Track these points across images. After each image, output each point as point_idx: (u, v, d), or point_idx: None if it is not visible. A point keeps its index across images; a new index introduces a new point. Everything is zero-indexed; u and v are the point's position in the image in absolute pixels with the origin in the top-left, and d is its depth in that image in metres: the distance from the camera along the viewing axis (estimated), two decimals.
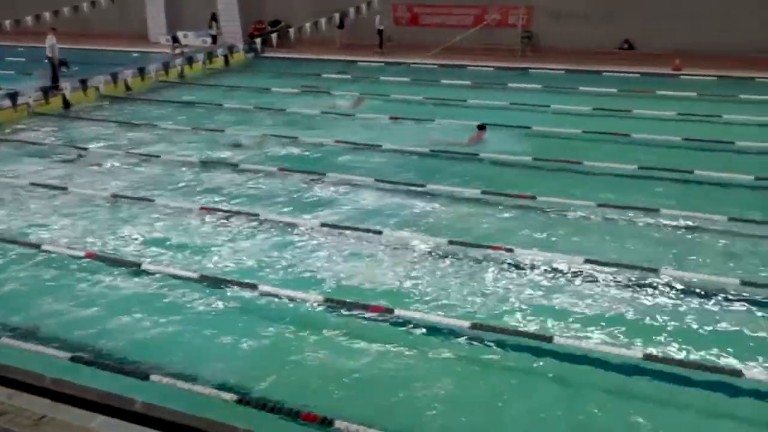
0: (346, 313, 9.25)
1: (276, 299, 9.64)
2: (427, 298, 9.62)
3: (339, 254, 11.04)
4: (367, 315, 9.16)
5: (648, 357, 8.00)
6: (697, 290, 9.60)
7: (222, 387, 7.65)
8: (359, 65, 26.78)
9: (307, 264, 10.74)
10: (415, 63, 26.19)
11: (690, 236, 11.34)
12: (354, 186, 14.03)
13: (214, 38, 31.07)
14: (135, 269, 10.56)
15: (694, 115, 18.03)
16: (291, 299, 9.60)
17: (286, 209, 12.95)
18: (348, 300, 9.50)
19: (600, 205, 12.41)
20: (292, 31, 28.48)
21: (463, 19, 29.18)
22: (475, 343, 8.57)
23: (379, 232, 11.64)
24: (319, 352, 8.53)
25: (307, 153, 16.44)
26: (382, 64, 26.52)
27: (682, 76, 23.18)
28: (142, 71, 24.17)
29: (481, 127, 16.92)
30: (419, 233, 11.71)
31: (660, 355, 8.10)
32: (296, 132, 17.79)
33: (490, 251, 10.84)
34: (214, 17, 31.16)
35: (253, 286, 9.91)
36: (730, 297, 9.41)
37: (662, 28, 26.10)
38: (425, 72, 25.06)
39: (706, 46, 25.01)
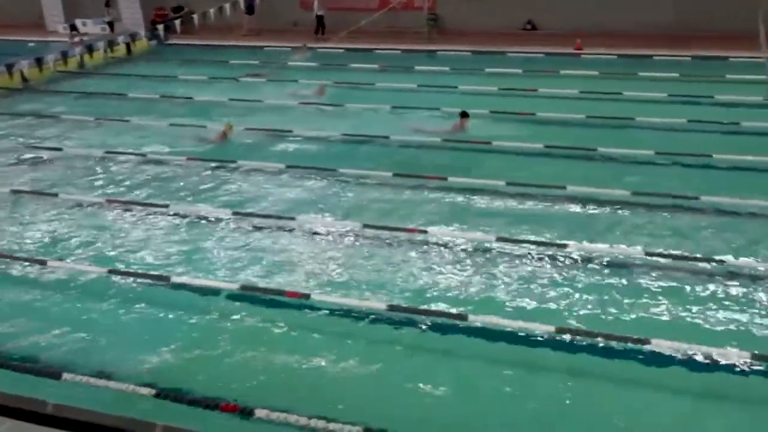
0: (263, 300, 9.19)
1: (190, 290, 9.49)
2: (344, 282, 9.64)
3: (253, 242, 10.93)
4: (283, 301, 9.12)
5: (560, 330, 8.23)
6: (604, 263, 9.90)
7: (138, 382, 7.49)
8: (266, 51, 26.48)
9: (220, 253, 10.60)
10: (322, 48, 26.05)
11: (596, 211, 11.68)
12: (265, 173, 13.91)
13: (111, 25, 30.06)
14: (40, 267, 10.21)
15: (596, 93, 18.53)
16: (206, 289, 9.47)
17: (196, 199, 12.73)
18: (264, 287, 9.44)
19: (509, 184, 12.65)
20: (195, 17, 27.91)
21: (369, 3, 29.19)
22: (393, 324, 8.64)
23: (293, 218, 11.59)
24: (237, 341, 8.45)
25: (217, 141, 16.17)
26: (290, 49, 26.27)
27: (583, 56, 23.77)
28: (39, 61, 23.25)
29: (464, 115, 16.32)
30: (333, 218, 11.70)
31: (572, 327, 8.34)
32: (205, 120, 17.49)
33: (404, 233, 10.93)
34: (108, 3, 30.11)
35: (166, 278, 9.73)
36: (635, 268, 9.75)
37: (563, 9, 26.70)
38: (333, 56, 24.96)
39: (606, 26, 25.71)
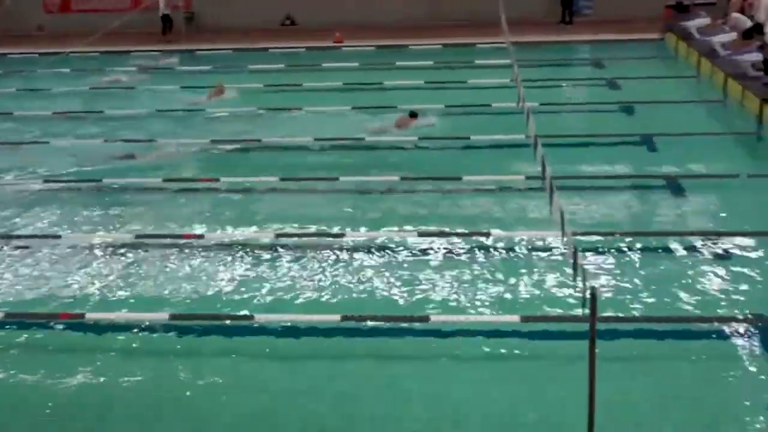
0: (33, 325, 8.58)
1: None
2: (120, 296, 9.23)
3: (16, 265, 10.16)
4: (55, 324, 8.58)
5: (345, 318, 8.41)
6: (382, 247, 10.22)
7: None
8: (9, 58, 24.66)
9: None
10: (73, 52, 24.61)
11: (370, 197, 12.06)
12: (24, 189, 12.94)
13: None
14: None
15: (359, 84, 19.05)
16: None
17: None
18: (32, 312, 8.83)
19: (283, 179, 12.71)
20: None
21: (120, 3, 27.99)
22: (175, 334, 8.40)
23: (58, 236, 10.90)
24: (8, 372, 7.83)
25: None
26: (36, 55, 24.60)
27: (343, 48, 24.34)
28: None
29: (413, 115, 15.62)
30: (102, 230, 11.16)
31: (356, 314, 8.53)
32: None
33: (180, 240, 10.64)
34: None
35: None
36: (411, 248, 10.14)
37: (321, 3, 27.17)
38: (86, 61, 23.72)
39: (363, 19, 26.49)
